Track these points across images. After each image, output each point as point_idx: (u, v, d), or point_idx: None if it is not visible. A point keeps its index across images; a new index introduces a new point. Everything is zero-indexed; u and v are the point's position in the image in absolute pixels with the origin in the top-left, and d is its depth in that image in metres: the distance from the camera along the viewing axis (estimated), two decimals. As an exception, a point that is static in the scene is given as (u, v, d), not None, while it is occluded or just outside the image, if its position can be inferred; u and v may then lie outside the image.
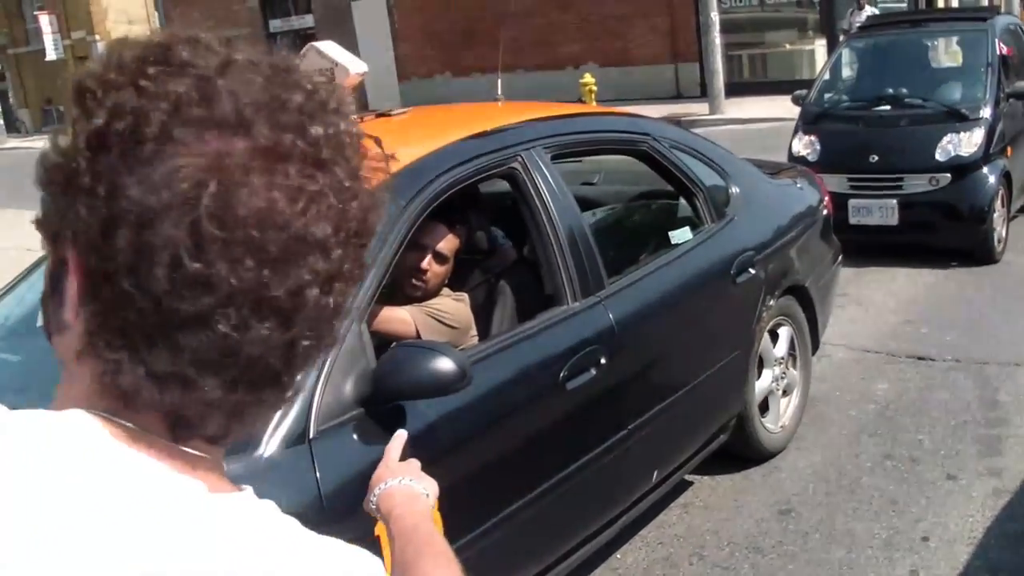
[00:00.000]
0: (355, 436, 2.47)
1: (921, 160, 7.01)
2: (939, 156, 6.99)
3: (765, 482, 4.28)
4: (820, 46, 20.77)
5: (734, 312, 3.98)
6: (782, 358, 4.45)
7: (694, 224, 3.96)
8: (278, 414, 2.34)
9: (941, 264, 7.14)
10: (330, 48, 3.59)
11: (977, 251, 7.13)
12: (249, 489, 0.84)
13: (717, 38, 17.51)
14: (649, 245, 3.88)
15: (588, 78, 17.78)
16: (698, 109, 18.36)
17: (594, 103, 17.62)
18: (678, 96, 21.90)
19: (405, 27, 26.42)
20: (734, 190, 4.23)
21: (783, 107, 15.72)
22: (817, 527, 3.85)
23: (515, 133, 3.39)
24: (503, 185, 3.47)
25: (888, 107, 7.46)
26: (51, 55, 31.98)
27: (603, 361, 3.15)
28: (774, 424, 4.45)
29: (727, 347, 3.91)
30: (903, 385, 5.18)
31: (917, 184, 7.02)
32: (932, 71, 8.05)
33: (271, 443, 2.31)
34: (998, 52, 7.27)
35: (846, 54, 8.35)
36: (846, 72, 8.22)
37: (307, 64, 3.42)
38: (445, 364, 2.47)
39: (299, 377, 0.83)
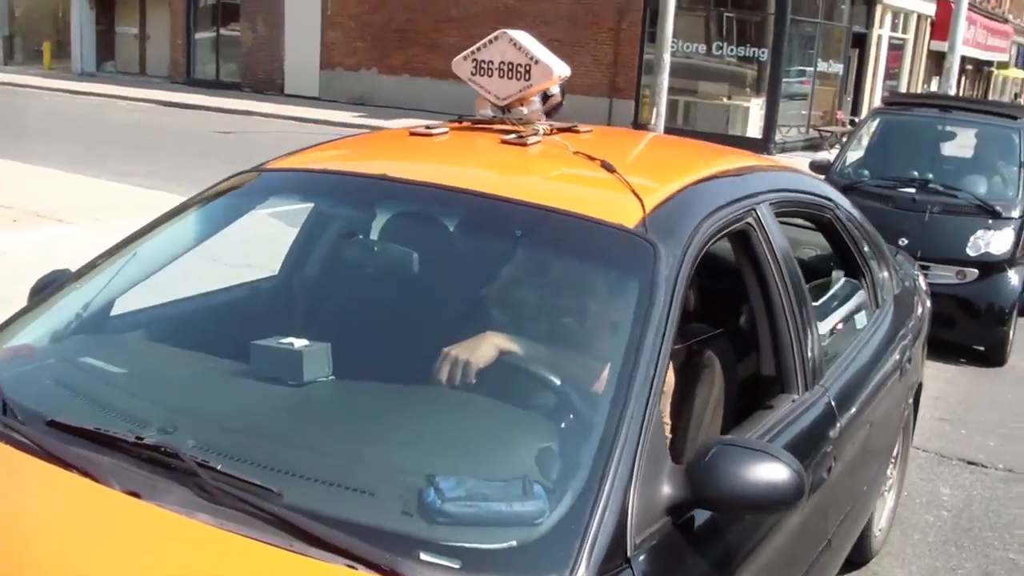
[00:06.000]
0: (668, 554, 1.94)
1: (952, 252, 6.85)
2: (970, 250, 6.85)
3: (867, 591, 3.91)
4: (756, 104, 21.01)
5: (896, 409, 3.60)
6: (895, 457, 4.10)
7: (866, 307, 3.56)
8: (583, 519, 1.79)
9: (952, 360, 6.98)
10: (528, 41, 3.06)
11: (990, 352, 7.02)
12: None
13: (666, 79, 17.13)
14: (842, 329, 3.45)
15: (526, 98, 17.35)
16: (631, 149, 18.21)
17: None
18: (605, 132, 21.79)
19: (338, 13, 25.49)
20: (883, 274, 3.85)
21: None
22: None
23: (755, 180, 2.92)
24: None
25: (913, 190, 7.28)
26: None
27: (834, 465, 2.71)
28: (876, 526, 4.09)
29: (889, 446, 3.53)
30: (966, 492, 4.92)
31: (944, 276, 6.84)
32: (961, 161, 7.94)
33: (579, 563, 1.74)
34: (1032, 154, 7.21)
35: (872, 127, 8.17)
36: (871, 147, 8.03)
37: (494, 52, 2.82)
38: (779, 473, 1.98)
39: None
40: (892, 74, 29.65)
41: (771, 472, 1.97)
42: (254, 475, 1.83)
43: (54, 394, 2.28)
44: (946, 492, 4.90)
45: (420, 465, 1.95)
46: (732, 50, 21.12)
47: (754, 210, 2.78)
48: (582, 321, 2.37)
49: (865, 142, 8.09)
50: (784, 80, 20.54)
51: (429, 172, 2.72)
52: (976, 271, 6.83)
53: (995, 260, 6.82)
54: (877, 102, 27.97)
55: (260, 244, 3.60)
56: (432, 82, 24.38)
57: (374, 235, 2.72)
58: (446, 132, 3.04)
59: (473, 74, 3.10)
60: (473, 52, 3.11)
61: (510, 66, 3.03)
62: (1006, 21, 39.43)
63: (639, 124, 20.48)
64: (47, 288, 2.80)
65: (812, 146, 21.12)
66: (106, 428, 1.99)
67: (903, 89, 30.18)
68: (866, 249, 3.66)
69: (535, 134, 2.91)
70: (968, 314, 6.87)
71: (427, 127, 3.07)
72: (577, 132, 3.15)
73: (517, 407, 2.19)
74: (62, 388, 2.32)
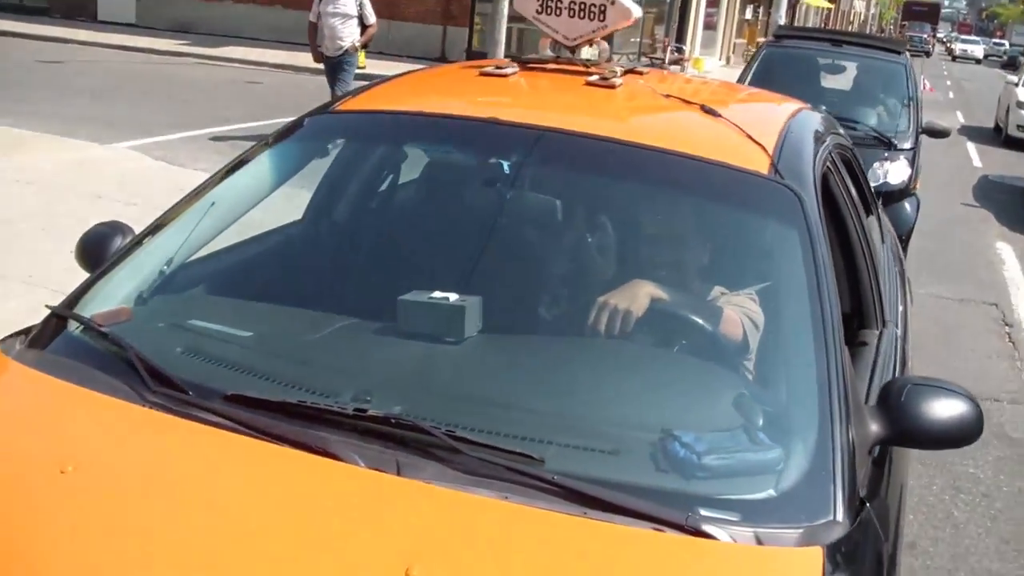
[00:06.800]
0: (877, 489, 2.04)
1: (854, 181, 7.17)
2: (871, 180, 7.18)
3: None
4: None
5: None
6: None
7: (881, 243, 3.73)
8: (828, 463, 1.85)
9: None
10: (605, -18, 3.01)
11: (887, 277, 7.44)
12: None
13: (507, 6, 16.93)
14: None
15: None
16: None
17: (362, 54, 16.81)
18: (442, 58, 21.51)
19: (157, -67, 24.01)
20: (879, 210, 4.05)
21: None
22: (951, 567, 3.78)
23: (814, 121, 2.99)
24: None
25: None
26: None
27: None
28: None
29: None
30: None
31: (847, 204, 7.18)
32: (852, 94, 8.27)
33: (837, 507, 1.81)
34: (920, 88, 7.61)
35: (764, 59, 8.39)
36: (764, 80, 8.23)
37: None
38: (966, 409, 2.09)
39: None
40: (713, 1, 30.55)
41: (959, 408, 2.07)
42: (504, 443, 1.79)
43: (200, 363, 2.13)
44: (891, 410, 5.24)
45: (646, 419, 1.95)
46: (568, -23, 21.22)
47: (830, 151, 2.87)
48: (748, 269, 2.40)
49: (756, 75, 8.28)
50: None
51: (535, 116, 2.65)
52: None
53: (893, 189, 7.19)
54: (700, 29, 28.86)
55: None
56: (258, 8, 23.50)
57: (493, 181, 2.63)
58: (516, 72, 2.98)
59: (539, 12, 3.04)
60: (540, -11, 3.03)
61: (582, 6, 2.98)
62: (810, -47, 41.13)
63: (472, 52, 20.43)
64: (101, 242, 2.61)
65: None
66: (305, 400, 1.89)
67: (722, 17, 31.18)
68: (871, 187, 3.83)
69: (616, 75, 2.88)
70: (868, 241, 7.25)
71: (496, 67, 2.99)
72: (640, 73, 3.13)
73: (706, 357, 2.20)
74: (202, 357, 2.17)
